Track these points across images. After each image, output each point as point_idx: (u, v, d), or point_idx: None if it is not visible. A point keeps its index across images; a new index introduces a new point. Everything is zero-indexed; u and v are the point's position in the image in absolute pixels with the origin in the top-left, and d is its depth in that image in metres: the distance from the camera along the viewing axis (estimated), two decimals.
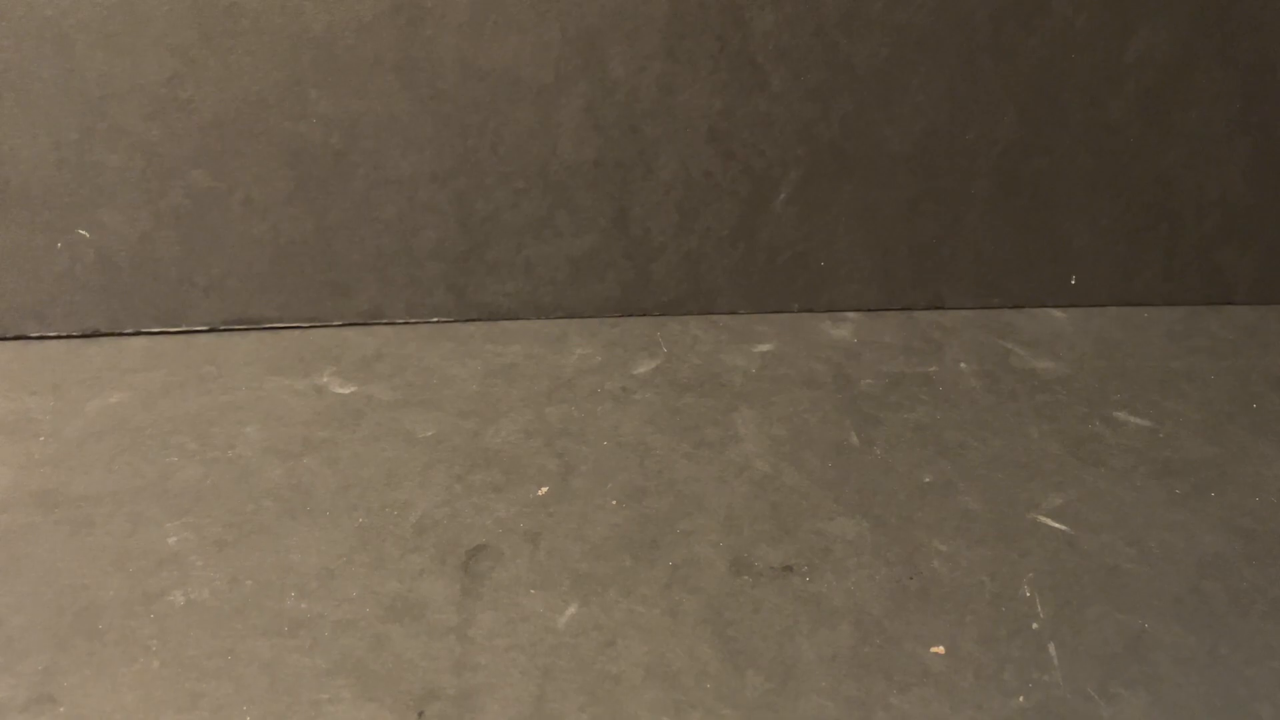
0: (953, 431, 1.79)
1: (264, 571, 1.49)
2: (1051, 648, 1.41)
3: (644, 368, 1.93)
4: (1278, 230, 2.15)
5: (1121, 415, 1.85)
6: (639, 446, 1.74)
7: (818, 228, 2.06)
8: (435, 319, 2.04)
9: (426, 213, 1.97)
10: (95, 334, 1.96)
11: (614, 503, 1.63)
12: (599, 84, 1.93)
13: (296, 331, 1.99)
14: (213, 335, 1.98)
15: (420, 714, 1.30)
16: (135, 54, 1.83)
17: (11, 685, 1.31)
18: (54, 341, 1.95)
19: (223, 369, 1.89)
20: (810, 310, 2.11)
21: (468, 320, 2.04)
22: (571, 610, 1.45)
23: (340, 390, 1.85)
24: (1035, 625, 1.44)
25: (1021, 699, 1.34)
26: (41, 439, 1.72)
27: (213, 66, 1.85)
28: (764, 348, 2.00)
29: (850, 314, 2.11)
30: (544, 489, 1.65)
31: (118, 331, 1.97)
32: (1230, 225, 2.13)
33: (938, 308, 2.13)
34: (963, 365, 1.96)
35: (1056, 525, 1.61)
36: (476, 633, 1.41)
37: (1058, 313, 2.13)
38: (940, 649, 1.41)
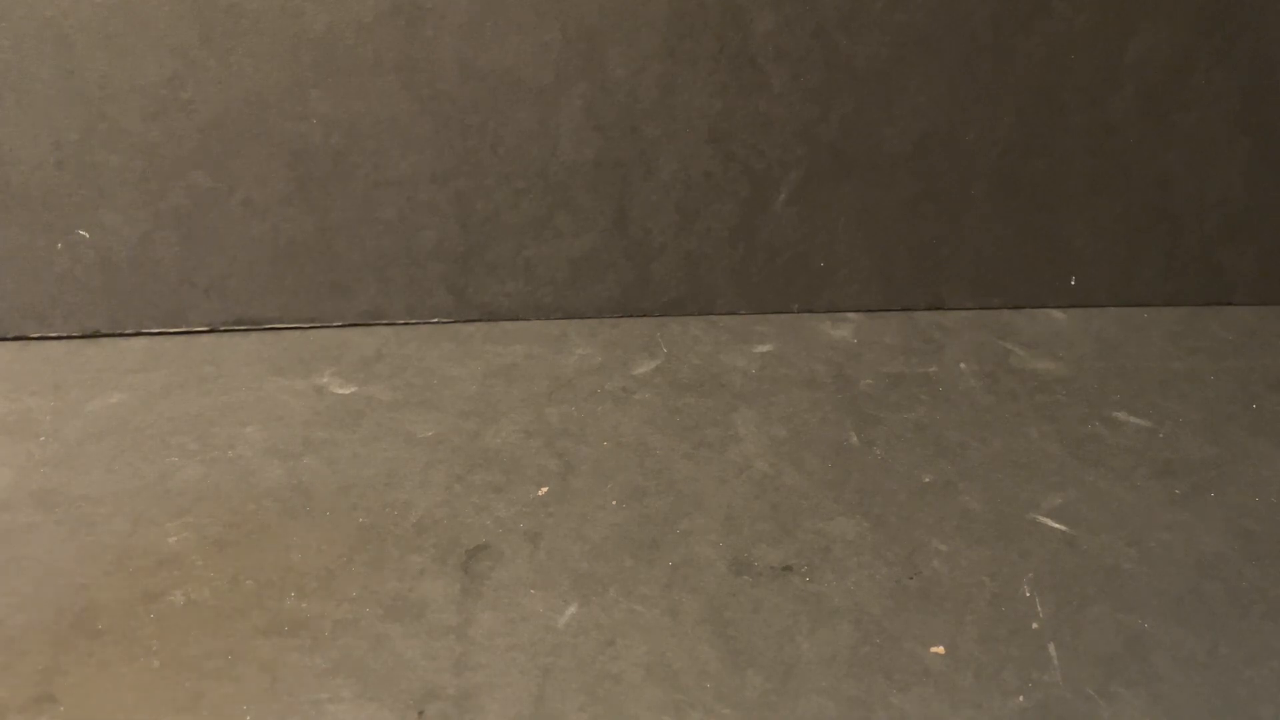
0: (953, 431, 1.79)
1: (264, 571, 1.49)
2: (1051, 648, 1.41)
3: (644, 368, 1.93)
4: (1278, 230, 2.14)
5: (1121, 415, 1.85)
6: (639, 446, 1.74)
7: (818, 228, 2.06)
8: (435, 319, 2.04)
9: (426, 213, 1.97)
10: (95, 334, 1.96)
11: (614, 503, 1.63)
12: (599, 84, 1.93)
13: (296, 332, 1.99)
14: (213, 335, 1.98)
15: (420, 714, 1.30)
16: (135, 54, 1.83)
17: (11, 685, 1.31)
18: (54, 342, 1.95)
19: (223, 369, 1.89)
20: (810, 310, 2.11)
21: (468, 321, 2.04)
22: (571, 610, 1.45)
23: (340, 390, 1.85)
24: (1035, 625, 1.44)
25: (1021, 699, 1.34)
26: (41, 439, 1.72)
27: (213, 66, 1.85)
28: (764, 348, 2.00)
29: (850, 314, 2.11)
30: (544, 489, 1.65)
31: (118, 332, 1.97)
32: (1230, 225, 2.13)
33: (938, 308, 2.13)
34: (963, 365, 1.96)
35: (1056, 525, 1.61)
36: (476, 632, 1.41)
37: (1058, 313, 2.13)
38: (940, 649, 1.41)
